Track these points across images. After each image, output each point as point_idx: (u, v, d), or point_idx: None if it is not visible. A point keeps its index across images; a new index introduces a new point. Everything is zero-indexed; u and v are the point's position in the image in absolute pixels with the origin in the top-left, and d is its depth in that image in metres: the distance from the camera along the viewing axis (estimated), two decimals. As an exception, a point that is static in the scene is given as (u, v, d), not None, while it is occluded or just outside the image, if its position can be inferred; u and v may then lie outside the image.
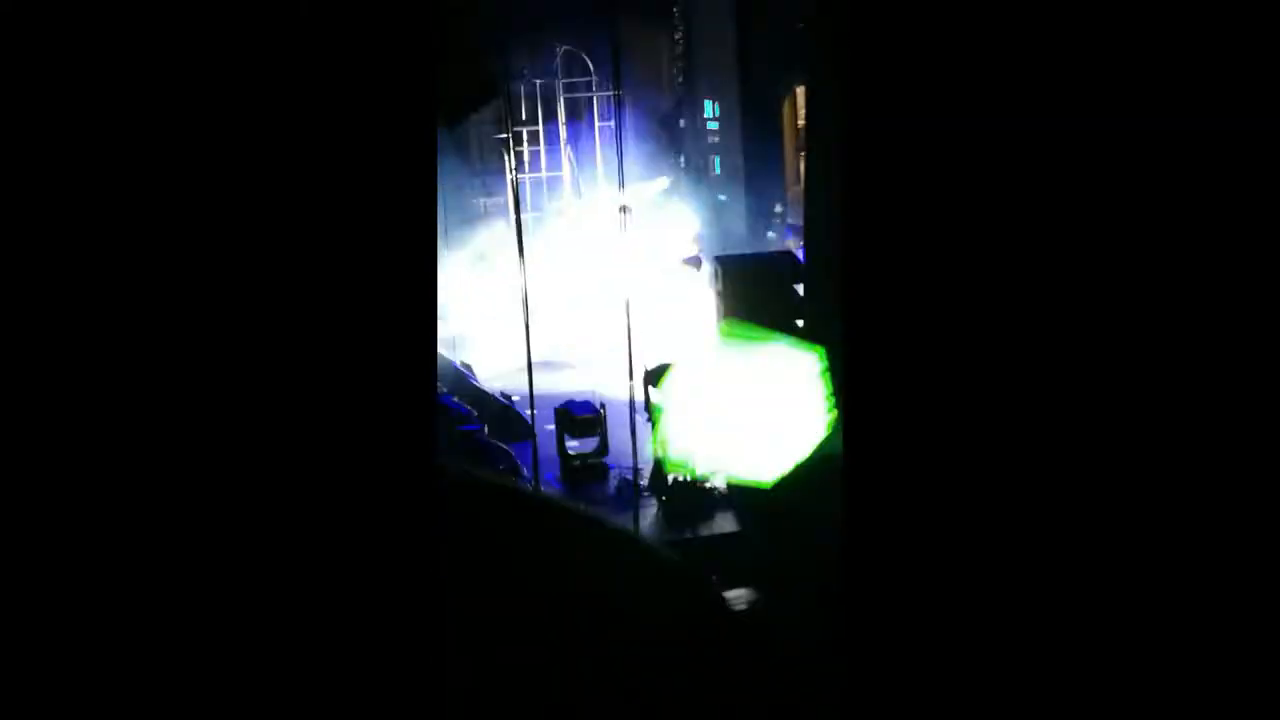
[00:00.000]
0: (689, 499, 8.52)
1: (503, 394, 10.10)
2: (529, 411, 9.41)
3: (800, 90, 11.30)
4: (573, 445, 9.12)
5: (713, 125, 13.14)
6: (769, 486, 7.54)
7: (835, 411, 6.91)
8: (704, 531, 8.19)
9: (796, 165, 12.21)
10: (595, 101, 13.82)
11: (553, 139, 14.27)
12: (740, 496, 8.23)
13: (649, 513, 8.50)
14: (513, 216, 9.25)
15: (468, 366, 10.77)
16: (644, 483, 8.63)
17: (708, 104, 13.10)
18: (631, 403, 8.75)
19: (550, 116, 14.21)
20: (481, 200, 14.32)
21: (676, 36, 13.28)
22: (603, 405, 9.26)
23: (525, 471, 8.75)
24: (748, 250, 10.90)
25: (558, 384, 10.49)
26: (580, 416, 9.21)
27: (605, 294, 12.85)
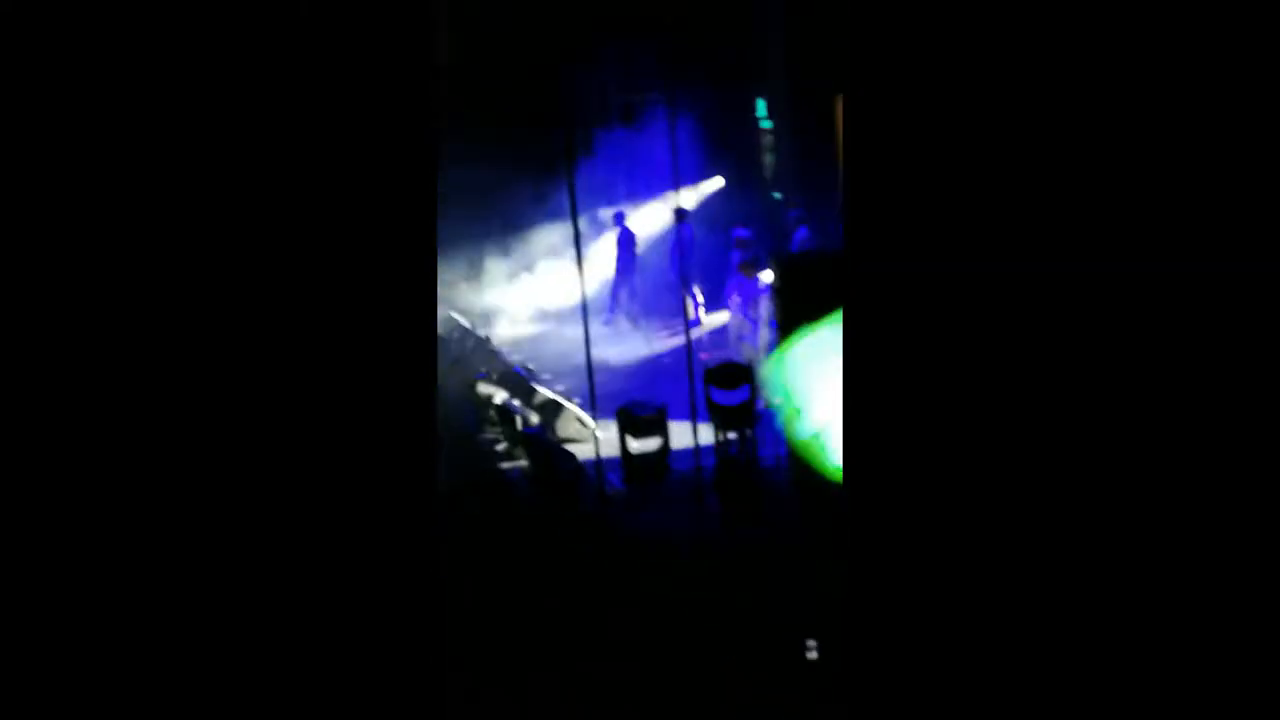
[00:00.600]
0: (751, 498, 8.57)
1: (564, 396, 10.19)
2: (590, 412, 9.51)
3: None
4: (634, 445, 9.17)
5: (766, 124, 13.14)
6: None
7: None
8: (766, 535, 8.23)
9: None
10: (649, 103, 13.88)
11: (607, 141, 14.35)
12: (805, 497, 8.27)
13: (711, 510, 8.56)
14: (570, 220, 9.33)
15: (528, 369, 10.88)
16: (707, 482, 8.69)
17: (760, 102, 13.10)
18: (693, 402, 8.81)
19: (606, 118, 14.30)
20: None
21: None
22: (664, 405, 9.31)
23: (589, 472, 8.85)
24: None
25: (619, 384, 10.58)
26: (642, 416, 9.26)
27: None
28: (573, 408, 9.97)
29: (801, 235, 11.99)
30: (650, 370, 11.63)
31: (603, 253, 13.73)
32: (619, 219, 13.69)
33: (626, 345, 12.77)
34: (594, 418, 9.47)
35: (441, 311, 10.53)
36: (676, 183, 9.61)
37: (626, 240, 13.48)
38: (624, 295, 13.79)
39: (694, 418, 8.71)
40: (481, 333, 12.08)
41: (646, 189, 13.88)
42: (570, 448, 9.24)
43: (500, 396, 10.08)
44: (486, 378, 10.29)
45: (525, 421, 9.66)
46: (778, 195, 13.24)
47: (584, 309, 8.84)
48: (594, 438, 9.30)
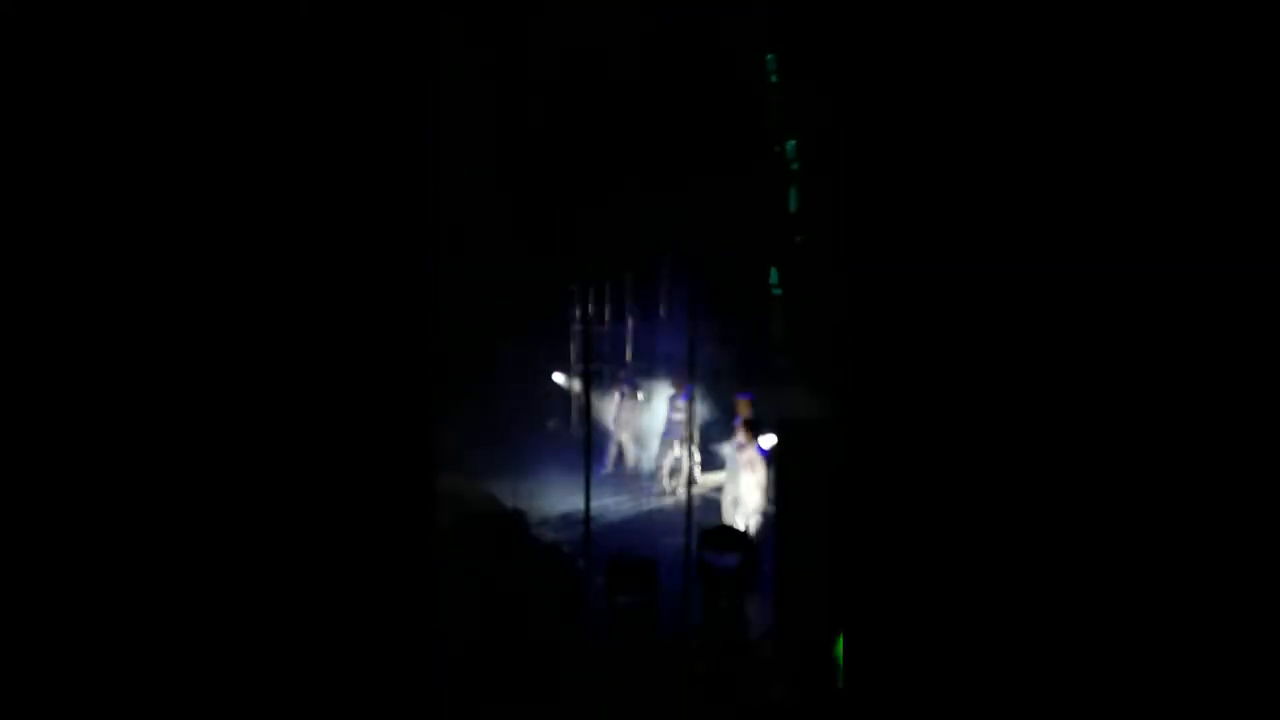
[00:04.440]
0: (737, 664, 8.41)
1: (555, 543, 10.10)
2: (580, 562, 9.40)
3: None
4: (622, 600, 9.02)
5: (777, 291, 13.33)
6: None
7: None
8: (752, 700, 8.06)
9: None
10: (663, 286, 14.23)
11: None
12: (789, 664, 8.12)
13: (697, 674, 8.38)
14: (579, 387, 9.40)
15: (519, 513, 10.78)
16: (694, 643, 8.53)
17: (773, 270, 13.31)
18: (686, 562, 8.73)
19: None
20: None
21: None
22: (655, 561, 9.20)
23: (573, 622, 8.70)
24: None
25: (611, 536, 10.49)
26: (632, 571, 9.13)
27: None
28: (563, 557, 9.86)
29: None
30: (646, 523, 11.55)
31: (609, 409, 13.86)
32: (628, 382, 13.92)
33: (625, 496, 12.72)
34: (587, 567, 9.36)
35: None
36: (692, 359, 9.84)
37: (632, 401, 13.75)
38: (622, 451, 13.86)
39: (687, 576, 8.62)
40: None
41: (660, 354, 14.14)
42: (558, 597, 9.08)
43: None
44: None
45: (514, 566, 9.52)
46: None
47: (586, 457, 8.83)
48: (583, 589, 9.16)
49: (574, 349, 14.28)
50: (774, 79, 12.16)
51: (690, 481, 9.29)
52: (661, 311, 14.61)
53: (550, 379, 14.52)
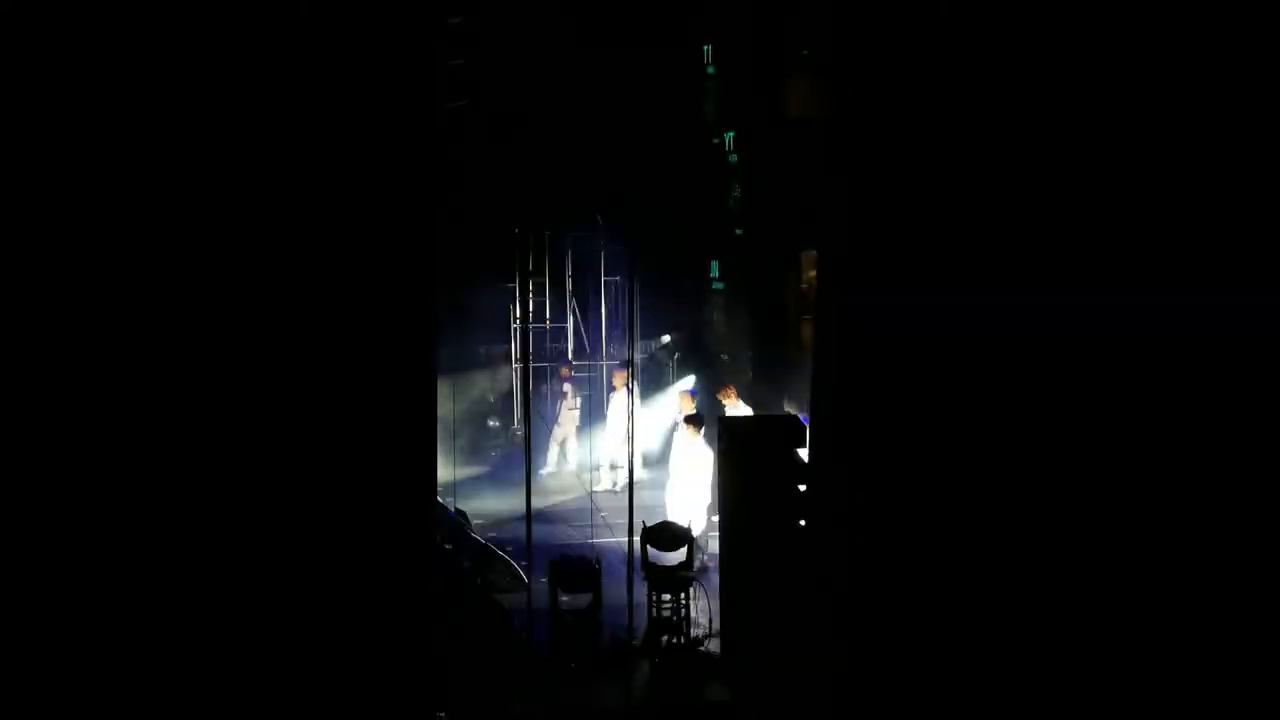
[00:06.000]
0: (682, 663, 8.32)
1: (497, 543, 9.94)
2: (523, 562, 9.26)
3: (806, 255, 11.40)
4: (565, 600, 8.89)
5: (718, 286, 13.31)
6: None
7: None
8: (696, 699, 7.98)
9: (799, 328, 12.27)
10: (603, 255, 14.07)
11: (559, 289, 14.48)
12: (733, 662, 8.06)
13: (641, 674, 8.28)
14: (519, 367, 9.27)
15: (462, 514, 10.61)
16: (637, 643, 8.43)
17: (714, 264, 13.29)
18: (630, 559, 8.62)
19: (557, 266, 14.47)
20: (482, 349, 14.37)
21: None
22: (599, 560, 9.09)
23: (516, 623, 8.56)
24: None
25: (553, 535, 10.35)
26: (574, 570, 9.00)
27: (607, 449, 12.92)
28: (505, 557, 9.71)
29: None
30: (588, 522, 11.44)
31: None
32: (573, 381, 13.83)
33: (568, 495, 12.61)
34: (529, 567, 9.21)
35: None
36: (631, 358, 9.76)
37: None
38: (564, 450, 13.73)
39: (630, 575, 8.51)
40: None
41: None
42: (500, 598, 8.95)
43: None
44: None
45: (456, 567, 9.36)
46: (725, 356, 13.32)
47: (527, 454, 8.70)
48: (526, 589, 9.02)
49: (514, 347, 14.11)
50: (711, 69, 12.07)
51: (632, 478, 9.17)
52: (603, 309, 14.51)
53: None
